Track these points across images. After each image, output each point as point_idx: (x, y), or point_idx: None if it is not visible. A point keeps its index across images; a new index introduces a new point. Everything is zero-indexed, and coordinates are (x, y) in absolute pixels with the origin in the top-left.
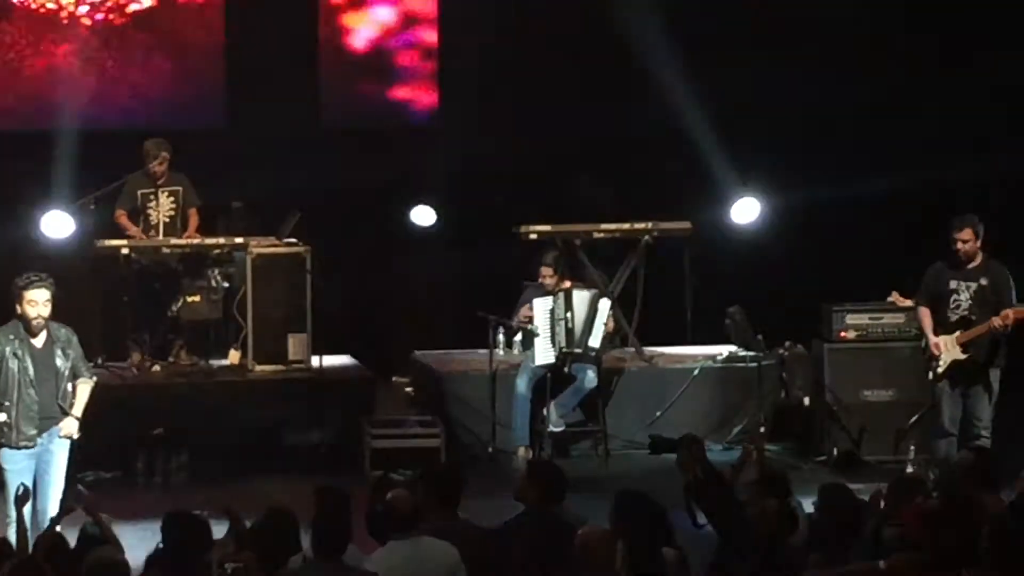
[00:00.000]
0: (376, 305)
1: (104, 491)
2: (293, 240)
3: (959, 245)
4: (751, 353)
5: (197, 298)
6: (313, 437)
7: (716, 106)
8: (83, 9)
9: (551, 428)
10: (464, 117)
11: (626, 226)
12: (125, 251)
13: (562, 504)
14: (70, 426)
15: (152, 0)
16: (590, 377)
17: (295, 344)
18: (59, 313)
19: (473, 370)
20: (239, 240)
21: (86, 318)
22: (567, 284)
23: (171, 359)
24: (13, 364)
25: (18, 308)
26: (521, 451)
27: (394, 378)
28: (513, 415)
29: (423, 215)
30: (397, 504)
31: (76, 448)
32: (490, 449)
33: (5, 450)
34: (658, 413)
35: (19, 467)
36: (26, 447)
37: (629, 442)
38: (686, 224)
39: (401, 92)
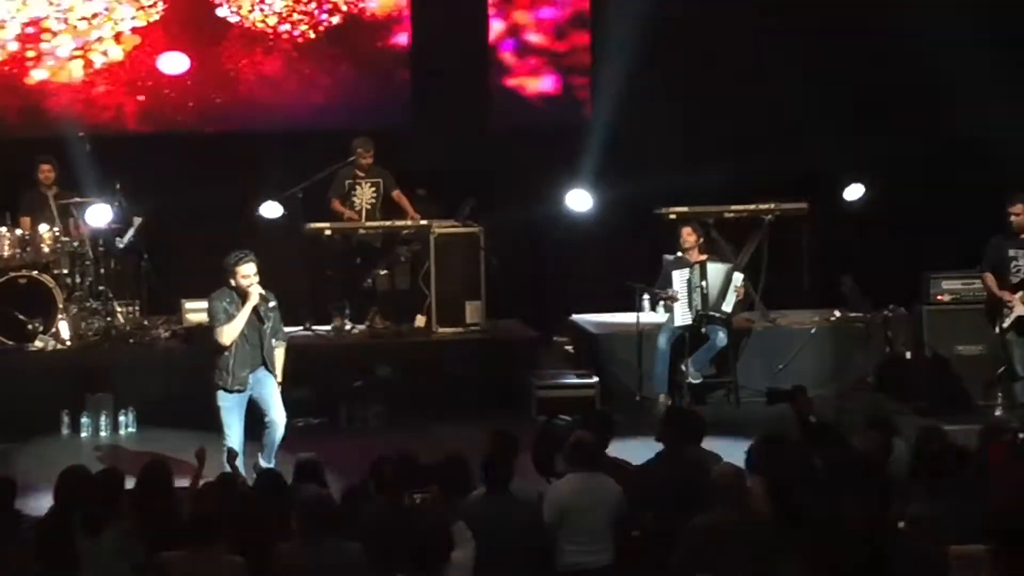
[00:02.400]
0: (540, 276)
1: (312, 436)
2: (469, 222)
3: (1013, 218)
4: (860, 314)
5: (389, 271)
6: (488, 389)
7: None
8: (285, 27)
9: (689, 380)
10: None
11: (751, 207)
12: (328, 232)
13: (699, 444)
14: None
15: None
16: (721, 337)
17: (471, 310)
18: (271, 284)
19: (622, 331)
20: (424, 222)
21: (296, 289)
22: (702, 257)
23: (368, 324)
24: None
25: (232, 281)
26: (662, 398)
27: (555, 338)
28: (655, 368)
29: (580, 199)
30: (582, 442)
31: (288, 398)
32: (637, 397)
33: (220, 391)
34: (780, 366)
35: (229, 405)
36: (238, 390)
37: (756, 391)
38: (803, 204)
39: (558, 90)
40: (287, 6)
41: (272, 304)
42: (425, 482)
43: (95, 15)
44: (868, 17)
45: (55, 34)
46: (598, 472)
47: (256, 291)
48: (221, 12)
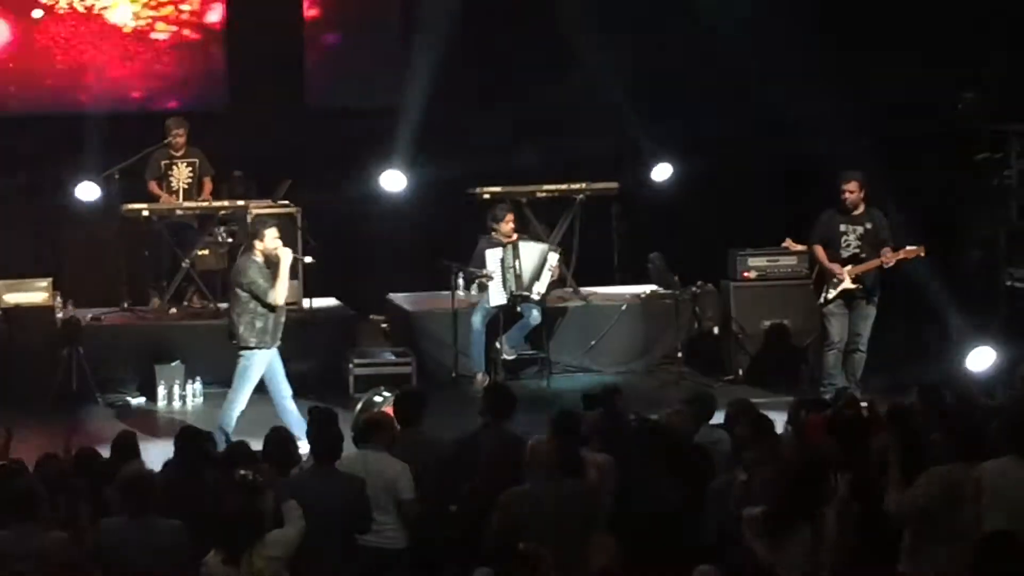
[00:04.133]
0: (357, 255)
1: (128, 412)
2: (286, 202)
3: (846, 195)
4: (669, 291)
5: (207, 252)
6: (305, 367)
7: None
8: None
9: (504, 357)
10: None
11: (563, 187)
12: (146, 213)
13: (511, 418)
14: None
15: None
16: (535, 315)
17: (289, 289)
18: (91, 267)
19: (438, 309)
20: (241, 203)
21: (114, 270)
22: (515, 237)
23: (185, 303)
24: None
25: (260, 244)
26: (479, 376)
27: (372, 316)
28: (471, 346)
29: (394, 180)
30: (376, 421)
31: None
32: (453, 375)
33: (255, 351)
34: (592, 343)
35: (256, 364)
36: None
37: (569, 366)
38: (613, 184)
39: (373, 69)
40: None
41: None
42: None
43: None
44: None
45: None
46: (383, 451)
47: (288, 252)
48: None
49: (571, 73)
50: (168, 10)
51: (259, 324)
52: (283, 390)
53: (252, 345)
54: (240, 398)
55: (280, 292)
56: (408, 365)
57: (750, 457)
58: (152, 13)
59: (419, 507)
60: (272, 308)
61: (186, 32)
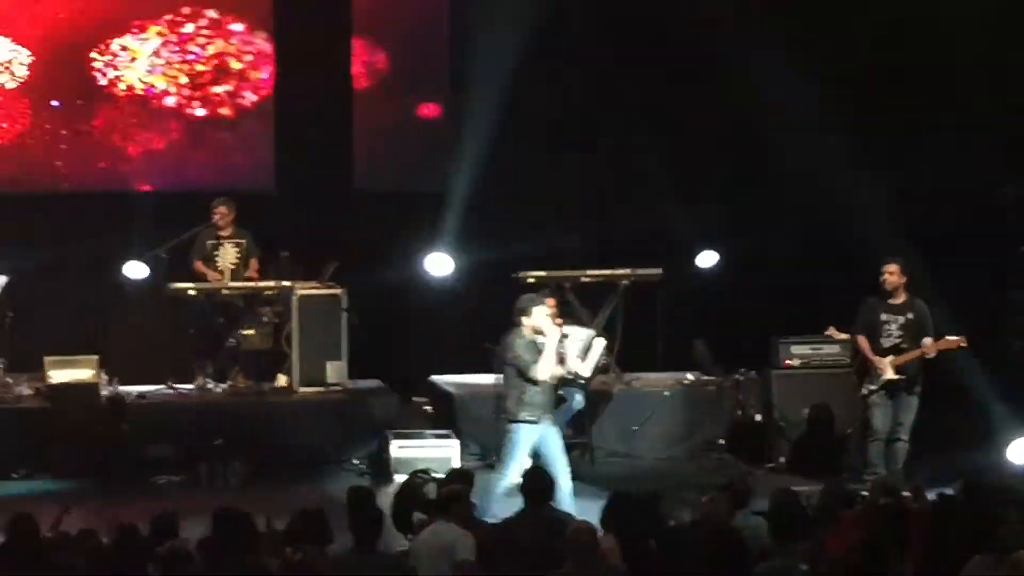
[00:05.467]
0: (400, 337)
1: (172, 492)
2: (331, 283)
3: (886, 278)
4: (712, 378)
5: (252, 331)
6: (347, 448)
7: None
8: (158, 88)
9: None
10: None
11: (608, 272)
12: (192, 292)
13: (551, 503)
14: None
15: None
16: (579, 399)
17: (333, 369)
18: (137, 345)
19: (480, 391)
20: (287, 283)
21: (159, 348)
22: (559, 321)
23: (230, 382)
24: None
25: (524, 322)
26: None
27: (415, 398)
28: None
29: (439, 262)
30: (455, 494)
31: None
32: (494, 457)
33: (516, 424)
34: (635, 428)
35: (522, 438)
36: (532, 423)
37: (611, 452)
38: (657, 271)
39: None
40: (157, 67)
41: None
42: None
43: None
44: (724, 86)
45: None
46: (449, 522)
47: (556, 329)
48: (91, 71)
49: (616, 158)
50: (218, 91)
51: (525, 398)
52: (559, 467)
53: (518, 418)
54: (508, 472)
55: (544, 368)
56: (451, 447)
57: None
58: (202, 95)
59: (475, 568)
60: (535, 382)
61: (235, 114)
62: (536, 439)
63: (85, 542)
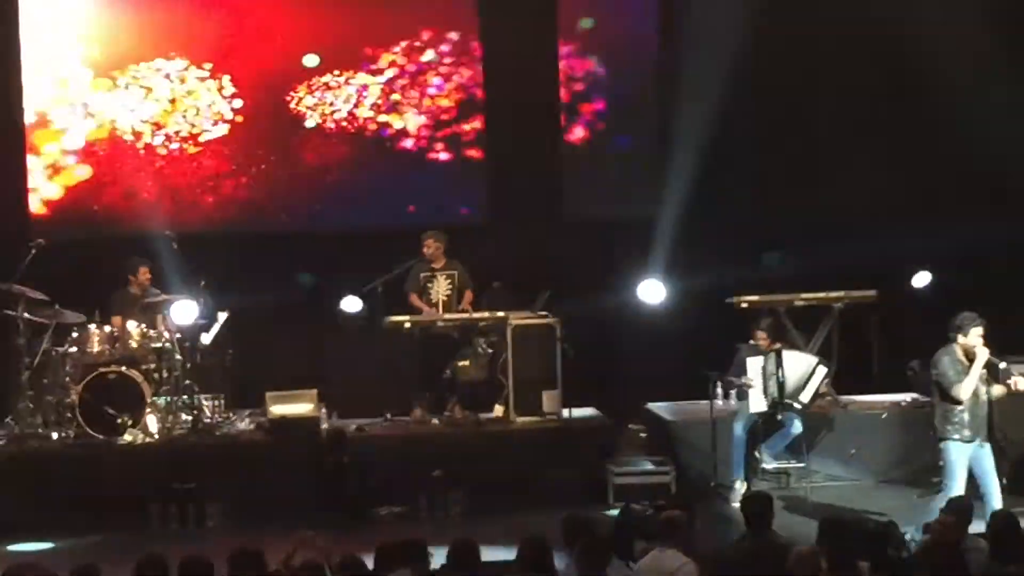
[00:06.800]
0: (615, 365)
1: (393, 524)
2: (545, 313)
3: None
4: (929, 399)
5: (468, 362)
6: (564, 477)
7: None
8: (372, 126)
9: (764, 465)
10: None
11: (822, 295)
12: (407, 325)
13: (770, 527)
14: None
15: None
16: (797, 425)
17: (548, 399)
18: (355, 378)
19: (696, 418)
20: (501, 314)
21: (376, 381)
22: (777, 346)
23: (447, 413)
24: None
25: (961, 339)
26: (738, 484)
27: (630, 425)
28: (731, 454)
29: (652, 289)
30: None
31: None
32: (712, 483)
33: (950, 443)
34: (852, 451)
35: (958, 457)
36: (967, 441)
37: (829, 476)
38: (871, 292)
39: (626, 185)
40: (373, 106)
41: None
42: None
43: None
44: (925, 107)
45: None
46: (667, 548)
47: (985, 351)
48: (301, 110)
49: (825, 181)
50: (439, 126)
51: (951, 416)
52: (990, 487)
53: (946, 436)
54: (952, 492)
55: (966, 388)
56: (668, 474)
57: None
58: (425, 132)
59: None
60: (957, 401)
61: (449, 147)
62: (969, 456)
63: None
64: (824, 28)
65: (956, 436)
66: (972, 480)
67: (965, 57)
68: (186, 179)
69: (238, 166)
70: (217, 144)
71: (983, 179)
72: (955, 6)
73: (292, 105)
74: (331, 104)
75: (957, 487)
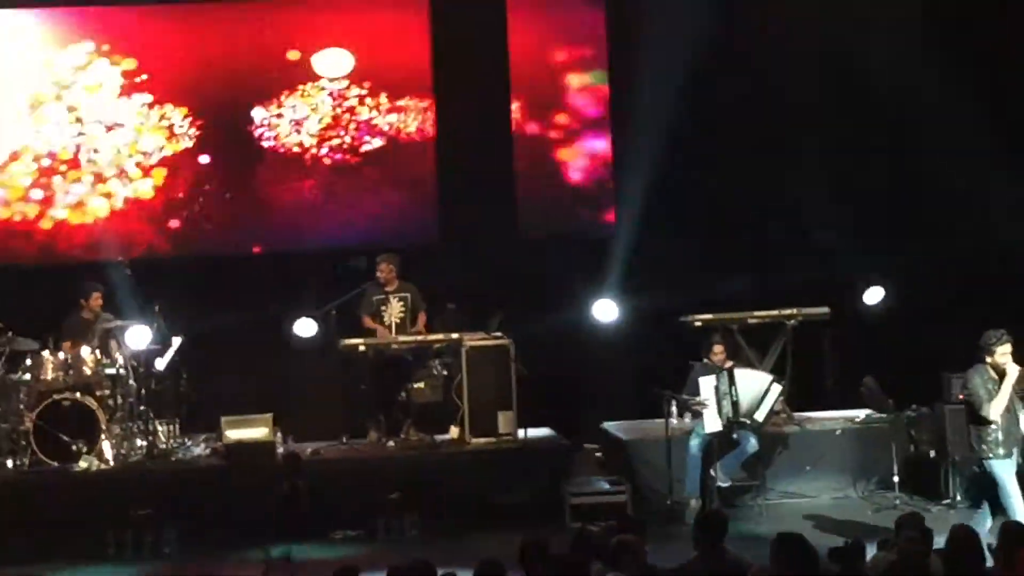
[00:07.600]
0: (569, 385)
1: (350, 547)
2: (499, 334)
3: None
4: (883, 415)
5: (422, 384)
6: (521, 497)
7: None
8: (323, 150)
9: (719, 483)
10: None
11: (775, 312)
12: (362, 348)
13: (721, 544)
14: None
15: (382, 141)
16: (752, 443)
17: (504, 420)
18: (309, 401)
19: (651, 437)
20: (455, 336)
21: (331, 404)
22: (729, 364)
23: (402, 436)
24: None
25: (988, 358)
26: (693, 502)
27: (586, 445)
28: (687, 472)
29: (606, 309)
30: (627, 544)
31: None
32: (668, 502)
33: (992, 461)
34: (807, 468)
35: (1007, 472)
36: (1006, 457)
37: (784, 493)
38: (824, 309)
39: (581, 202)
40: (323, 130)
41: None
42: None
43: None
44: (880, 131)
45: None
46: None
47: (1016, 368)
48: (255, 136)
49: (779, 200)
50: (377, 145)
51: (984, 435)
52: (1012, 504)
53: (986, 456)
54: (1015, 511)
55: (996, 407)
56: (624, 493)
57: None
58: (363, 149)
59: None
60: (987, 421)
61: (396, 168)
62: (1011, 469)
63: None
64: (779, 47)
65: (993, 455)
66: (982, 491)
67: (911, 77)
68: (142, 204)
69: (190, 190)
70: (170, 167)
71: (935, 198)
72: (904, 27)
73: (246, 128)
74: (283, 126)
75: (1016, 504)
